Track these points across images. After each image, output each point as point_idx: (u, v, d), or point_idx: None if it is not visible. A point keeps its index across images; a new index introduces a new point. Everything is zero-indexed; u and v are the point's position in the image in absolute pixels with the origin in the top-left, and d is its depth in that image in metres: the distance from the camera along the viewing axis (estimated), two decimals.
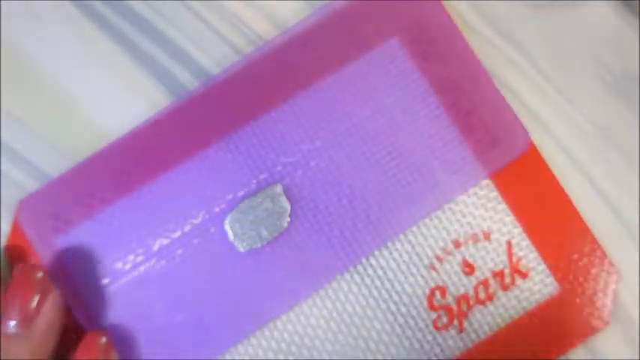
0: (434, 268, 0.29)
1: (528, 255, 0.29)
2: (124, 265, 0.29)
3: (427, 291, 0.29)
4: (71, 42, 0.31)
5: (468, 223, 0.29)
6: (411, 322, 0.29)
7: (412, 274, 0.29)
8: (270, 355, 0.29)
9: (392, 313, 0.29)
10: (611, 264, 0.29)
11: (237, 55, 0.31)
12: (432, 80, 0.30)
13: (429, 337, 0.29)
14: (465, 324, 0.29)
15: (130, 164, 0.30)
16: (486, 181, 0.30)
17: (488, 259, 0.29)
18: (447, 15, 0.30)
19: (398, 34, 0.30)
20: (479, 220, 0.29)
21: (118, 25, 0.31)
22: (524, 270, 0.29)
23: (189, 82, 0.31)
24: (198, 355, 0.29)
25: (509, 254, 0.29)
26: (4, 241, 0.30)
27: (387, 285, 0.29)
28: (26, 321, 0.26)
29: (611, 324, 0.29)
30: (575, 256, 0.29)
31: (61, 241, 0.29)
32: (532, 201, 0.29)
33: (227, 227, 0.29)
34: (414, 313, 0.29)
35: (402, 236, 0.29)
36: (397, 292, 0.29)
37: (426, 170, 0.29)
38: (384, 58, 0.30)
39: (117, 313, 0.29)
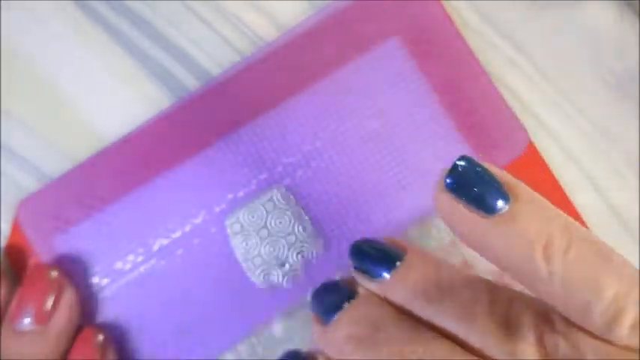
0: None
1: None
2: (124, 265, 0.29)
3: None
4: (71, 42, 0.31)
5: None
6: None
7: None
8: (271, 356, 0.29)
9: None
10: None
11: (238, 55, 0.31)
12: (431, 80, 0.30)
13: None
14: None
15: (130, 164, 0.30)
16: None
17: None
18: (446, 15, 0.30)
19: (398, 34, 0.30)
20: None
21: (118, 26, 0.31)
22: None
23: (190, 82, 0.31)
24: (198, 355, 0.29)
25: None
26: (4, 242, 0.30)
27: None
28: (42, 318, 0.26)
29: None
30: None
31: (61, 241, 0.29)
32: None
33: (227, 227, 0.29)
34: None
35: (402, 236, 0.29)
36: None
37: (426, 170, 0.29)
38: (384, 58, 0.30)
39: (117, 313, 0.29)
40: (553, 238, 0.18)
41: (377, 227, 0.29)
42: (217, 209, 0.29)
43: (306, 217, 0.29)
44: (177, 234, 0.29)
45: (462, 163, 0.20)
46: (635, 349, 0.18)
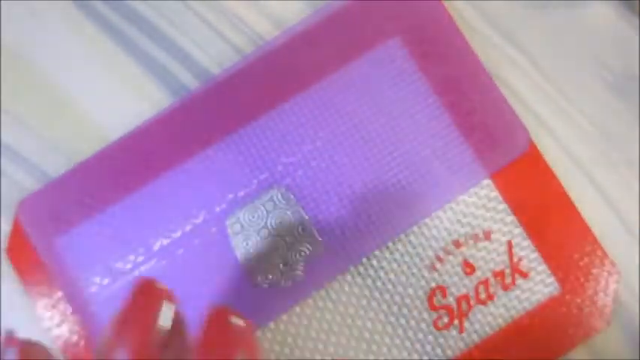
0: (434, 269, 0.29)
1: (529, 255, 0.29)
2: (125, 264, 0.29)
3: (428, 291, 0.29)
4: (71, 42, 0.31)
5: (469, 223, 0.29)
6: (412, 323, 0.29)
7: (413, 275, 0.29)
8: (271, 356, 0.29)
9: (393, 314, 0.29)
10: (612, 264, 0.29)
11: (238, 54, 0.31)
12: (432, 80, 0.30)
13: (430, 338, 0.29)
14: (466, 324, 0.29)
15: (130, 164, 0.30)
16: (487, 181, 0.30)
17: (489, 259, 0.29)
18: (447, 15, 0.30)
19: (399, 34, 0.30)
20: (479, 220, 0.29)
21: (118, 25, 0.31)
22: (524, 270, 0.29)
23: (190, 81, 0.31)
24: None
25: (510, 254, 0.29)
26: (4, 241, 0.30)
27: (388, 285, 0.29)
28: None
29: (612, 324, 0.29)
30: (576, 256, 0.29)
31: (62, 241, 0.29)
32: (533, 201, 0.29)
33: (228, 227, 0.29)
34: (414, 313, 0.29)
35: (402, 236, 0.29)
36: (398, 293, 0.29)
37: (426, 170, 0.29)
38: (384, 57, 0.30)
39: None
40: None
41: (377, 227, 0.29)
42: (218, 209, 0.29)
43: (306, 217, 0.29)
44: (178, 234, 0.29)
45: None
46: None
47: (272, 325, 0.29)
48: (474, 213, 0.29)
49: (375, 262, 0.29)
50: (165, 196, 0.29)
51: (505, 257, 0.29)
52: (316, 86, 0.30)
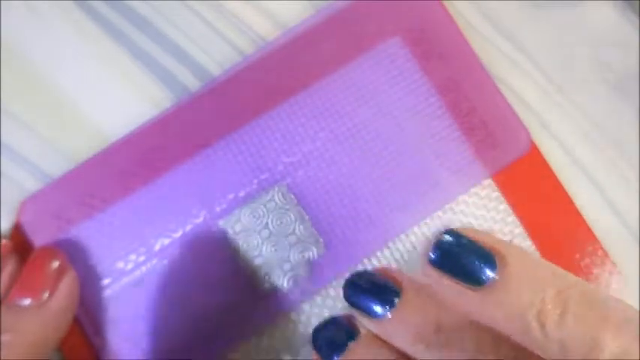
0: None
1: None
2: (126, 264, 0.29)
3: None
4: (72, 42, 0.31)
5: (469, 223, 0.29)
6: None
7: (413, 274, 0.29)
8: (272, 355, 0.29)
9: None
10: (613, 264, 0.29)
11: (239, 55, 0.31)
12: (433, 80, 0.30)
13: None
14: None
15: (131, 164, 0.30)
16: (488, 181, 0.30)
17: None
18: (448, 15, 0.30)
19: (399, 34, 0.30)
20: (480, 221, 0.29)
21: (119, 26, 0.31)
22: None
23: (191, 82, 0.31)
24: (199, 355, 0.29)
25: None
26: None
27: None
28: (41, 297, 0.26)
29: None
30: (577, 256, 0.29)
31: (63, 241, 0.29)
32: (533, 201, 0.29)
33: (228, 227, 0.29)
34: None
35: (403, 236, 0.29)
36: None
37: (427, 170, 0.29)
38: (385, 57, 0.30)
39: (118, 312, 0.29)
40: (546, 304, 0.17)
41: (378, 227, 0.29)
42: (218, 209, 0.29)
43: (307, 217, 0.29)
44: (178, 234, 0.29)
45: (446, 238, 0.19)
46: None
47: (272, 325, 0.29)
48: (475, 213, 0.29)
49: (375, 262, 0.29)
50: (165, 196, 0.29)
51: None
52: (316, 86, 0.30)
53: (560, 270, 0.18)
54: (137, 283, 0.29)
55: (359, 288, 0.21)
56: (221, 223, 0.29)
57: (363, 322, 0.21)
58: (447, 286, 0.19)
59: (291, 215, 0.29)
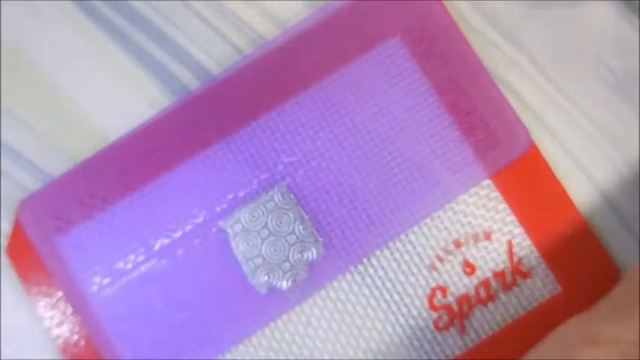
0: (435, 268, 0.29)
1: (529, 255, 0.29)
2: (126, 264, 0.29)
3: (428, 291, 0.29)
4: (72, 42, 0.31)
5: (469, 223, 0.29)
6: (412, 322, 0.29)
7: (413, 274, 0.29)
8: (271, 355, 0.29)
9: (393, 313, 0.29)
10: (613, 264, 0.29)
11: (238, 54, 0.31)
12: (432, 80, 0.30)
13: (430, 337, 0.29)
14: (466, 324, 0.29)
15: (131, 164, 0.30)
16: (487, 181, 0.30)
17: (489, 259, 0.29)
18: (448, 15, 0.30)
19: (399, 34, 0.30)
20: (480, 220, 0.29)
21: (119, 25, 0.31)
22: (525, 270, 0.29)
23: (190, 81, 0.31)
24: (198, 355, 0.29)
25: (510, 254, 0.29)
26: (5, 241, 0.30)
27: (388, 285, 0.29)
28: None
29: None
30: (576, 256, 0.29)
31: (62, 241, 0.29)
32: (533, 201, 0.29)
33: (228, 227, 0.29)
34: (414, 313, 0.29)
35: (402, 236, 0.29)
36: (398, 292, 0.29)
37: (426, 170, 0.29)
38: (385, 57, 0.30)
39: (118, 312, 0.29)
40: None
41: (377, 227, 0.29)
42: (218, 209, 0.29)
43: (306, 217, 0.29)
44: (178, 234, 0.29)
45: None
46: None
47: (272, 324, 0.29)
48: (474, 213, 0.29)
49: (375, 262, 0.29)
50: (165, 196, 0.29)
51: (505, 257, 0.29)
52: (316, 86, 0.30)
53: None
54: (137, 283, 0.29)
55: None
56: (221, 223, 0.29)
57: None
58: None
59: (291, 215, 0.29)
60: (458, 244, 0.29)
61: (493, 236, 0.29)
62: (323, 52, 0.30)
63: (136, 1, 0.31)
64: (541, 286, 0.29)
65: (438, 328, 0.29)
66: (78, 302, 0.29)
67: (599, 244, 0.29)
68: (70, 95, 0.31)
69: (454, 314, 0.29)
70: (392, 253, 0.29)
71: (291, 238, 0.29)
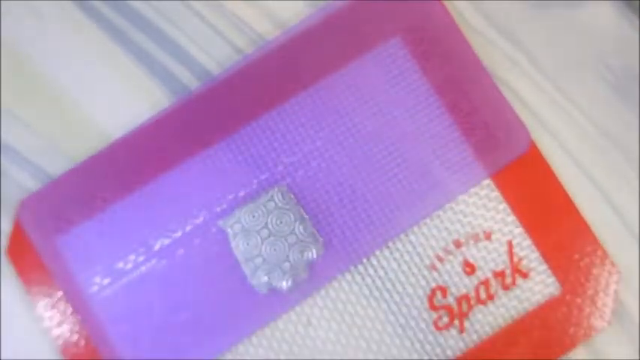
0: (435, 268, 0.29)
1: (529, 255, 0.29)
2: (125, 264, 0.29)
3: (428, 291, 0.29)
4: (72, 41, 0.31)
5: (469, 222, 0.29)
6: (412, 323, 0.29)
7: (413, 274, 0.29)
8: (271, 355, 0.29)
9: (393, 313, 0.29)
10: (613, 264, 0.29)
11: (238, 54, 0.31)
12: (433, 80, 0.30)
13: (430, 338, 0.29)
14: (466, 324, 0.29)
15: (131, 164, 0.30)
16: (487, 181, 0.30)
17: (489, 259, 0.29)
18: (448, 15, 0.30)
19: (399, 34, 0.30)
20: (480, 220, 0.29)
21: (119, 25, 0.31)
22: (525, 270, 0.29)
23: (190, 81, 0.31)
24: (198, 355, 0.29)
25: (510, 254, 0.29)
26: (5, 241, 0.30)
27: (388, 285, 0.29)
28: None
29: (612, 324, 0.29)
30: (577, 256, 0.29)
31: (62, 241, 0.29)
32: (533, 201, 0.29)
33: (228, 227, 0.29)
34: (414, 313, 0.29)
35: (402, 236, 0.29)
36: (398, 292, 0.29)
37: (426, 170, 0.29)
38: (385, 57, 0.30)
39: (118, 312, 0.29)
40: None
41: (377, 227, 0.29)
42: (218, 209, 0.29)
43: (306, 217, 0.29)
44: (178, 234, 0.29)
45: None
46: None
47: (272, 324, 0.29)
48: (474, 213, 0.29)
49: (375, 262, 0.29)
50: (165, 196, 0.29)
51: (505, 257, 0.29)
52: (316, 86, 0.30)
53: None
54: (137, 283, 0.29)
55: None
56: (221, 223, 0.29)
57: None
58: None
59: (291, 215, 0.29)
60: (458, 244, 0.29)
61: (493, 236, 0.29)
62: (323, 52, 0.30)
63: (136, 1, 0.31)
64: (541, 286, 0.29)
65: (437, 329, 0.29)
66: (78, 302, 0.29)
67: (600, 244, 0.29)
68: (70, 95, 0.31)
69: (454, 314, 0.29)
70: (392, 253, 0.29)
71: (291, 238, 0.29)
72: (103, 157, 0.30)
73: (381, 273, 0.29)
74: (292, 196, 0.29)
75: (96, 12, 0.31)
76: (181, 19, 0.31)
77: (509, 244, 0.29)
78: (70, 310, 0.29)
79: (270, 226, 0.29)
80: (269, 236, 0.29)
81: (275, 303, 0.29)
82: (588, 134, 0.31)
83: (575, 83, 0.31)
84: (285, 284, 0.29)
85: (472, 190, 0.30)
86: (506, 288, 0.29)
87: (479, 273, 0.29)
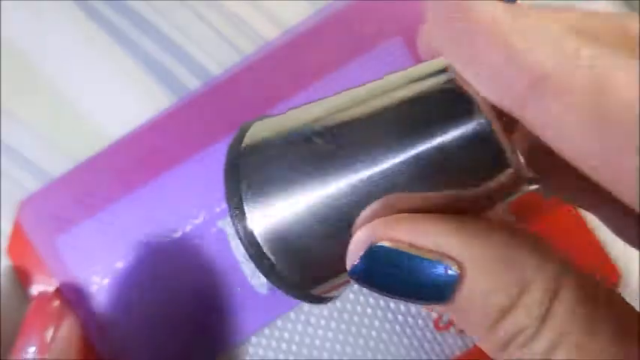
0: None
1: None
2: (125, 264, 0.29)
3: None
4: (72, 42, 0.31)
5: None
6: (412, 321, 0.29)
7: None
8: (271, 354, 0.29)
9: (392, 312, 0.29)
10: (613, 264, 0.29)
11: (239, 55, 0.31)
12: None
13: (430, 337, 0.29)
14: None
15: (131, 164, 0.30)
16: None
17: None
18: None
19: (399, 34, 0.30)
20: None
21: (119, 26, 0.31)
22: None
23: (191, 82, 0.31)
24: (199, 355, 0.29)
25: None
26: (5, 241, 0.30)
27: None
28: (42, 350, 0.27)
29: None
30: (576, 256, 0.29)
31: (62, 240, 0.29)
32: (533, 201, 0.29)
33: (228, 227, 0.29)
34: (414, 312, 0.29)
35: None
36: None
37: None
38: (386, 57, 0.30)
39: (118, 311, 0.29)
40: None
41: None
42: (218, 209, 0.29)
43: None
44: (178, 234, 0.29)
45: None
46: None
47: (272, 324, 0.29)
48: None
49: None
50: (165, 196, 0.29)
51: None
52: (316, 86, 0.30)
53: None
54: (137, 283, 0.29)
55: None
56: (220, 223, 0.29)
57: None
58: None
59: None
60: None
61: None
62: (324, 53, 0.30)
63: (136, 1, 0.31)
64: None
65: (438, 328, 0.29)
66: (78, 302, 0.29)
67: (600, 246, 0.29)
68: (70, 95, 0.31)
69: None
70: None
71: None
72: (103, 156, 0.30)
73: None
74: None
75: (97, 13, 0.31)
76: (182, 19, 0.31)
77: None
78: (70, 309, 0.29)
79: None
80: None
81: (275, 303, 0.29)
82: None
83: None
84: None
85: None
86: None
87: None
